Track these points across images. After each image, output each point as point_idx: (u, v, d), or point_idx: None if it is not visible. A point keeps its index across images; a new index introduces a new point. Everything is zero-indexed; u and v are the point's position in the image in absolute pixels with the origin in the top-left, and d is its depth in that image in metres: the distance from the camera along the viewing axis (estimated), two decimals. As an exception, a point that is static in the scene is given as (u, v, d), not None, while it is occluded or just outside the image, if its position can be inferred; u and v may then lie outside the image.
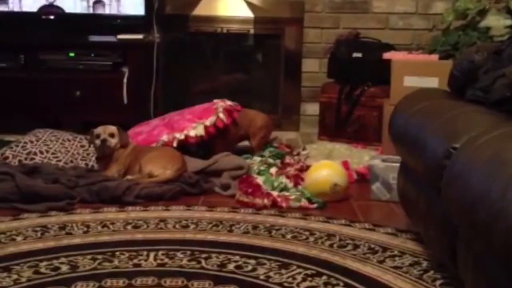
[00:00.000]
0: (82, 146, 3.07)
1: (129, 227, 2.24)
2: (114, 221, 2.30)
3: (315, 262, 1.91)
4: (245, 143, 3.44)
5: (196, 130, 3.11)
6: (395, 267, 1.88)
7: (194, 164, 2.91)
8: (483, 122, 1.56)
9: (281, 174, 2.86)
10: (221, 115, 3.17)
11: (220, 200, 2.63)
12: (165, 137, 3.12)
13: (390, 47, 3.75)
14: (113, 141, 2.84)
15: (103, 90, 3.76)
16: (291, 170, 2.96)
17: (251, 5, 4.10)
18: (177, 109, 3.46)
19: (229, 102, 3.29)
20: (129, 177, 2.76)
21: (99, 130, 2.87)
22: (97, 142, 2.85)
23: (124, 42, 3.82)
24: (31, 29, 3.88)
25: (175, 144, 3.08)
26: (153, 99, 3.97)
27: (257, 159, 3.16)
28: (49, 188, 2.53)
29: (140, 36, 3.85)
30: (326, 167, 2.69)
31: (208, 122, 3.14)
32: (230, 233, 2.18)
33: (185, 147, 3.11)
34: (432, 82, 2.95)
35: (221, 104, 3.24)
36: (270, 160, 3.12)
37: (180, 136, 3.10)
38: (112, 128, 2.86)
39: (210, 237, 2.15)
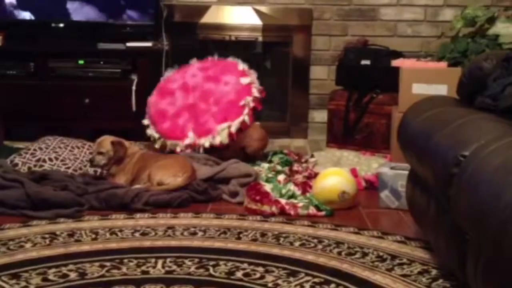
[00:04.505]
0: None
1: (137, 234, 2.25)
2: (123, 228, 2.31)
3: (324, 270, 1.91)
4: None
5: (220, 136, 3.15)
6: (404, 275, 1.87)
7: (202, 171, 2.92)
8: (492, 130, 1.55)
9: (289, 181, 2.86)
10: (246, 118, 3.18)
11: (228, 208, 2.63)
12: (190, 140, 3.19)
13: (398, 55, 3.75)
14: (101, 160, 2.86)
15: (112, 98, 3.77)
16: (299, 178, 2.95)
17: (259, 13, 4.11)
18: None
19: (256, 85, 3.27)
20: (138, 186, 2.76)
21: (95, 145, 2.91)
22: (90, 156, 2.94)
23: (133, 49, 3.84)
24: (40, 36, 3.91)
25: (201, 151, 3.17)
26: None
27: (265, 166, 3.16)
28: (58, 195, 2.54)
29: (149, 44, 3.87)
30: (334, 175, 2.69)
31: (233, 127, 3.16)
32: (238, 241, 2.18)
33: None
34: (440, 90, 2.94)
35: (250, 99, 3.22)
36: (278, 167, 3.12)
37: (205, 143, 3.15)
38: (105, 144, 2.87)
39: (218, 244, 2.15)
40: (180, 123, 3.28)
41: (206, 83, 3.38)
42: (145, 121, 3.41)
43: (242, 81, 3.29)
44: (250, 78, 3.31)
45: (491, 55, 2.02)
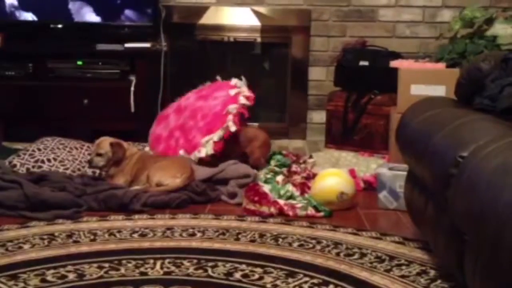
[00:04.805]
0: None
1: (135, 235, 2.25)
2: (121, 229, 2.31)
3: (322, 270, 1.91)
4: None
5: (206, 148, 3.07)
6: (402, 276, 1.87)
7: (201, 172, 2.92)
8: (491, 131, 1.55)
9: (287, 182, 2.86)
10: (230, 124, 3.10)
11: (226, 208, 2.63)
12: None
13: (397, 55, 3.75)
14: (100, 162, 2.86)
15: (111, 99, 3.77)
16: (297, 178, 2.95)
17: (258, 14, 4.12)
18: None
19: (244, 93, 3.21)
20: (136, 187, 2.75)
21: (94, 146, 2.91)
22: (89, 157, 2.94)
23: (131, 50, 3.84)
24: (39, 37, 3.91)
25: None
26: (160, 107, 3.98)
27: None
28: (56, 196, 2.54)
29: (147, 45, 3.88)
30: (333, 176, 2.69)
31: (216, 137, 3.07)
32: (237, 242, 2.18)
33: None
34: (439, 91, 2.94)
35: (233, 107, 3.15)
36: (277, 168, 3.12)
37: (194, 157, 3.09)
38: (104, 145, 2.87)
39: (217, 245, 2.15)
40: (172, 143, 3.27)
41: (197, 101, 3.37)
42: (147, 149, 3.40)
43: (230, 92, 3.25)
44: (239, 89, 3.26)
45: (489, 56, 2.02)
